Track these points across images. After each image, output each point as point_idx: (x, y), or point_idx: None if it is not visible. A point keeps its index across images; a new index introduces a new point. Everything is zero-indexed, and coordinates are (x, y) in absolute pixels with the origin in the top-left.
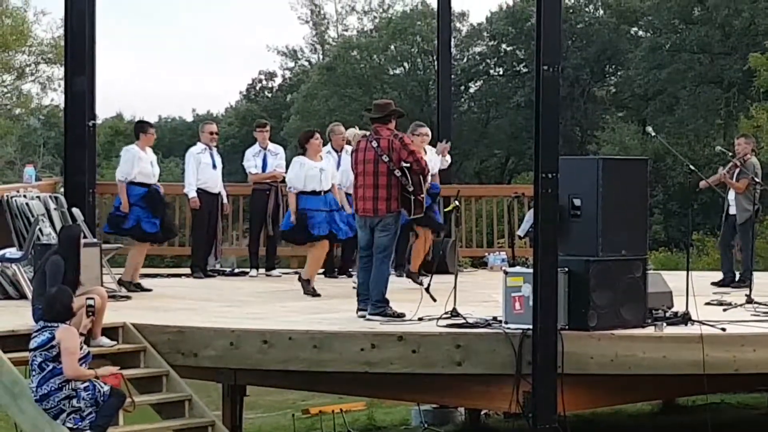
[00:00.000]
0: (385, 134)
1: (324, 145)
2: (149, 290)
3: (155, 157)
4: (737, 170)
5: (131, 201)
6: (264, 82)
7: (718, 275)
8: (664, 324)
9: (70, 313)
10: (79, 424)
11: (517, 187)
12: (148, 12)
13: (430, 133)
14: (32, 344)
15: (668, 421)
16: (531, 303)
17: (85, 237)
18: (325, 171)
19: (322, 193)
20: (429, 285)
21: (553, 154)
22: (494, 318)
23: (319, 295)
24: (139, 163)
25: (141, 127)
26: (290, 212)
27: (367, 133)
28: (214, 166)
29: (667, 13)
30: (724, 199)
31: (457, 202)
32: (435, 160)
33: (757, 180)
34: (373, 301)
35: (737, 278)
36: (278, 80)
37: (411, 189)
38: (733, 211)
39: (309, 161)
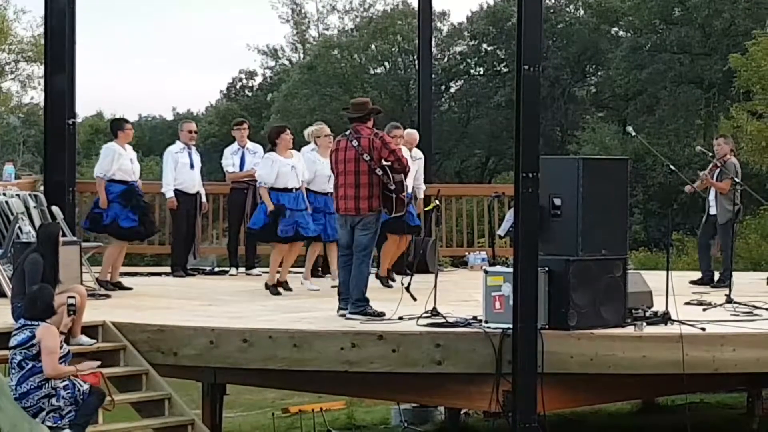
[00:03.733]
0: (365, 133)
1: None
2: (129, 289)
3: (135, 154)
4: (717, 171)
5: (110, 198)
6: (244, 81)
7: (698, 275)
8: (644, 324)
9: (52, 311)
10: (59, 422)
11: (497, 187)
12: (128, 10)
13: (405, 132)
14: (12, 342)
15: (648, 420)
16: (511, 302)
17: (64, 235)
18: (296, 168)
19: (294, 190)
20: (409, 284)
21: (534, 153)
22: (474, 317)
23: (290, 290)
24: (119, 160)
25: (117, 124)
26: (263, 208)
27: (318, 127)
28: (192, 166)
29: (648, 13)
30: (705, 199)
31: (437, 202)
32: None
33: (737, 180)
34: (353, 300)
35: (717, 277)
36: (259, 79)
37: (393, 187)
38: (713, 211)
39: (280, 158)
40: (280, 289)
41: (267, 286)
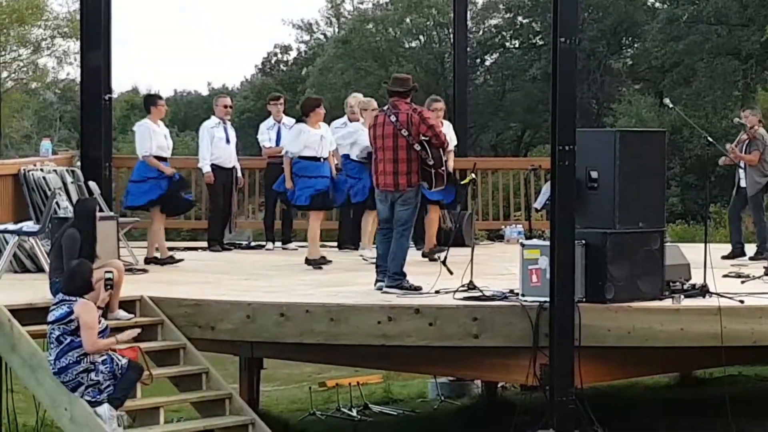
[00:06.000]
0: (403, 108)
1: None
2: (181, 260)
3: (167, 130)
4: (747, 142)
5: (148, 175)
6: (279, 56)
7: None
8: (682, 296)
9: (90, 287)
10: (97, 397)
11: (533, 160)
12: None
13: (444, 107)
14: (50, 317)
15: (685, 393)
16: (548, 275)
17: (101, 210)
18: (324, 138)
19: (321, 159)
20: (446, 258)
21: (570, 126)
22: (511, 291)
23: (330, 261)
24: (154, 137)
25: (151, 100)
26: (301, 182)
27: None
28: (228, 141)
29: None
30: (735, 172)
31: (473, 175)
32: (452, 134)
33: None
34: (390, 273)
35: (748, 250)
36: (294, 54)
37: (431, 163)
38: (744, 183)
39: (309, 128)
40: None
41: (308, 261)
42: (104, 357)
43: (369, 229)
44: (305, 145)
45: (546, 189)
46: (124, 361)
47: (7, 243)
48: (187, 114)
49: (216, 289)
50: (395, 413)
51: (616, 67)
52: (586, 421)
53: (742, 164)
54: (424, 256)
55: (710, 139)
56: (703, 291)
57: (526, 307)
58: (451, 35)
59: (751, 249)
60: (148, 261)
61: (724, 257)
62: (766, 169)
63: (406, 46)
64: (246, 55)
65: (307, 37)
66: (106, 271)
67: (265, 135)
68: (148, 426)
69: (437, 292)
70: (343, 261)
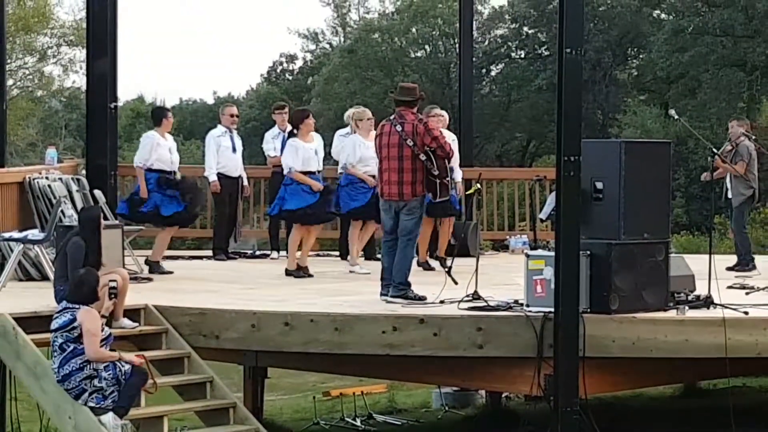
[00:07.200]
0: (409, 118)
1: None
2: (170, 272)
3: (174, 144)
4: (732, 152)
5: (149, 187)
6: (285, 65)
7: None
8: (687, 307)
9: (96, 295)
10: (102, 403)
11: (538, 170)
12: None
13: (445, 115)
14: (54, 325)
15: (690, 404)
16: (552, 286)
17: (106, 219)
18: (318, 151)
19: (317, 173)
20: (451, 268)
21: (576, 137)
22: (516, 301)
23: (311, 276)
24: (157, 150)
25: (161, 112)
26: (296, 189)
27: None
28: (234, 150)
29: None
30: (722, 184)
31: (478, 185)
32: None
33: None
34: (395, 283)
35: (736, 262)
36: (299, 63)
37: (436, 173)
38: (730, 194)
39: (303, 143)
40: (302, 272)
41: (288, 272)
42: (107, 363)
43: (356, 244)
44: (303, 159)
45: (551, 199)
46: (127, 366)
47: (12, 251)
48: (192, 122)
49: (221, 298)
50: (399, 423)
51: (621, 77)
52: (590, 431)
53: (728, 176)
54: (418, 264)
55: (715, 151)
56: (707, 302)
57: (531, 317)
58: (457, 45)
59: (759, 261)
60: (150, 264)
61: (728, 268)
62: (752, 180)
63: (412, 55)
64: (251, 64)
65: (312, 47)
66: (110, 280)
67: (270, 144)
68: None
69: (442, 302)
70: (347, 270)
